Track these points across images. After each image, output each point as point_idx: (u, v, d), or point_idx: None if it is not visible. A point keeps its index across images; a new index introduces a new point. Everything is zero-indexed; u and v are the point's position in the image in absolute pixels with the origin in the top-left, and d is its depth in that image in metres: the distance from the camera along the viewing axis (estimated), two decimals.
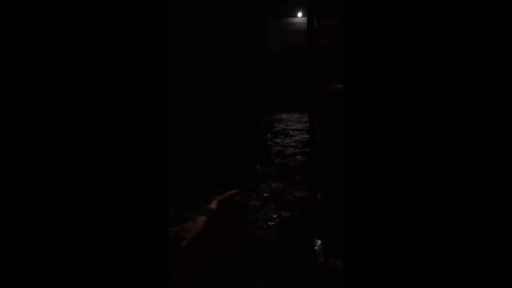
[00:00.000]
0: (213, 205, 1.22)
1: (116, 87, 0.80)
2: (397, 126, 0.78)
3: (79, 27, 0.79)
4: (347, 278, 0.82)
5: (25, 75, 0.77)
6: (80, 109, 0.79)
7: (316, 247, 1.60)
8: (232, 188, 1.31)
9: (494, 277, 0.73)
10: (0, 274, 0.76)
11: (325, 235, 1.60)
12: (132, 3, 0.80)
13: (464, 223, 0.74)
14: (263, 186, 3.55)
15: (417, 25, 0.77)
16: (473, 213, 0.74)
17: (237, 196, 1.29)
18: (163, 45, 0.83)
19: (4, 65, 0.77)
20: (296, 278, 1.55)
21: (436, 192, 0.76)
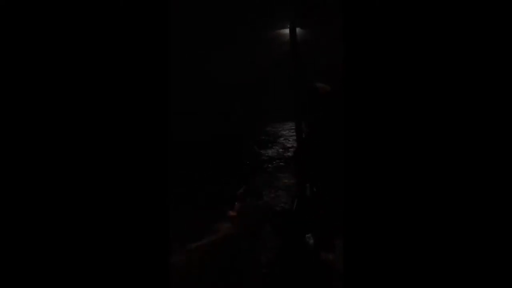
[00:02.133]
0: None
1: (116, 88, 0.80)
2: (397, 124, 0.78)
3: (79, 27, 0.79)
4: (346, 277, 0.82)
5: (25, 75, 0.77)
6: (80, 109, 0.79)
7: (307, 241, 1.63)
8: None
9: (492, 274, 0.73)
10: (0, 274, 0.76)
11: (316, 229, 1.64)
12: (132, 4, 0.80)
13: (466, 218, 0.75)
14: None
15: (417, 25, 0.77)
16: (473, 208, 0.74)
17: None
18: (163, 45, 0.82)
19: (4, 65, 0.77)
20: (288, 273, 1.57)
21: (437, 193, 0.76)
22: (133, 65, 0.81)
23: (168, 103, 0.84)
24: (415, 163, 0.77)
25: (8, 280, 0.75)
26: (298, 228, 1.62)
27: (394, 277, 0.78)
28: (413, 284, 0.77)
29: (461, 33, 0.75)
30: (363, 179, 0.80)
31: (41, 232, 0.77)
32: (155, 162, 0.82)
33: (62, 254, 0.77)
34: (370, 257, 0.79)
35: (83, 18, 0.79)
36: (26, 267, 0.76)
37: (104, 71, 0.80)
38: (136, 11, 0.80)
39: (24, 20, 0.77)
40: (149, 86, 0.82)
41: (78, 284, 0.78)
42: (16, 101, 0.77)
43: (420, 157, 0.77)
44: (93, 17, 0.79)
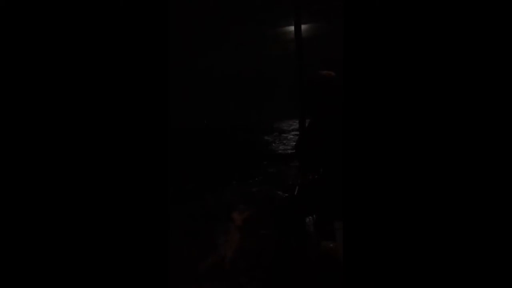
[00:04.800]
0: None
1: (116, 87, 0.80)
2: (396, 124, 0.78)
3: (79, 27, 0.79)
4: (346, 269, 0.82)
5: (25, 75, 0.77)
6: (80, 109, 0.79)
7: (307, 229, 1.63)
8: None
9: (491, 274, 0.73)
10: (0, 274, 0.76)
11: (316, 216, 1.64)
12: (132, 4, 0.80)
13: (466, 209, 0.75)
14: None
15: (417, 25, 0.77)
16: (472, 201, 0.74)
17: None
18: (163, 45, 0.83)
19: (4, 65, 0.77)
20: (288, 260, 1.58)
21: (435, 191, 0.76)
22: (133, 63, 0.81)
23: (168, 103, 0.84)
24: (415, 157, 0.77)
25: (7, 276, 0.76)
26: (299, 212, 1.62)
27: (395, 268, 0.78)
28: (414, 274, 0.77)
29: (461, 32, 0.75)
30: (362, 172, 0.80)
31: (36, 230, 0.77)
32: (155, 159, 0.82)
33: (58, 253, 0.78)
34: (370, 248, 0.79)
35: (82, 13, 0.79)
36: (25, 264, 0.76)
37: (104, 69, 0.80)
38: (137, 9, 0.81)
39: (24, 19, 0.77)
40: (150, 86, 0.82)
41: (75, 284, 0.78)
42: (15, 101, 0.77)
43: (421, 152, 0.77)
44: (93, 15, 0.79)
